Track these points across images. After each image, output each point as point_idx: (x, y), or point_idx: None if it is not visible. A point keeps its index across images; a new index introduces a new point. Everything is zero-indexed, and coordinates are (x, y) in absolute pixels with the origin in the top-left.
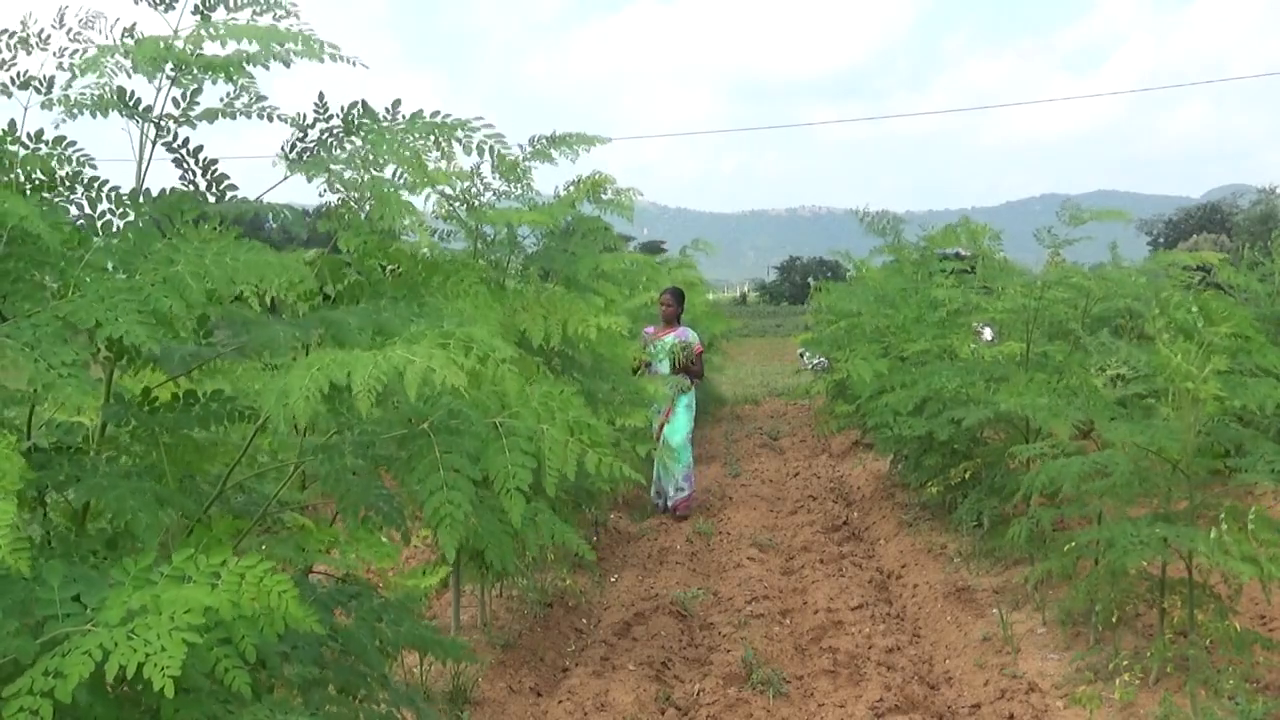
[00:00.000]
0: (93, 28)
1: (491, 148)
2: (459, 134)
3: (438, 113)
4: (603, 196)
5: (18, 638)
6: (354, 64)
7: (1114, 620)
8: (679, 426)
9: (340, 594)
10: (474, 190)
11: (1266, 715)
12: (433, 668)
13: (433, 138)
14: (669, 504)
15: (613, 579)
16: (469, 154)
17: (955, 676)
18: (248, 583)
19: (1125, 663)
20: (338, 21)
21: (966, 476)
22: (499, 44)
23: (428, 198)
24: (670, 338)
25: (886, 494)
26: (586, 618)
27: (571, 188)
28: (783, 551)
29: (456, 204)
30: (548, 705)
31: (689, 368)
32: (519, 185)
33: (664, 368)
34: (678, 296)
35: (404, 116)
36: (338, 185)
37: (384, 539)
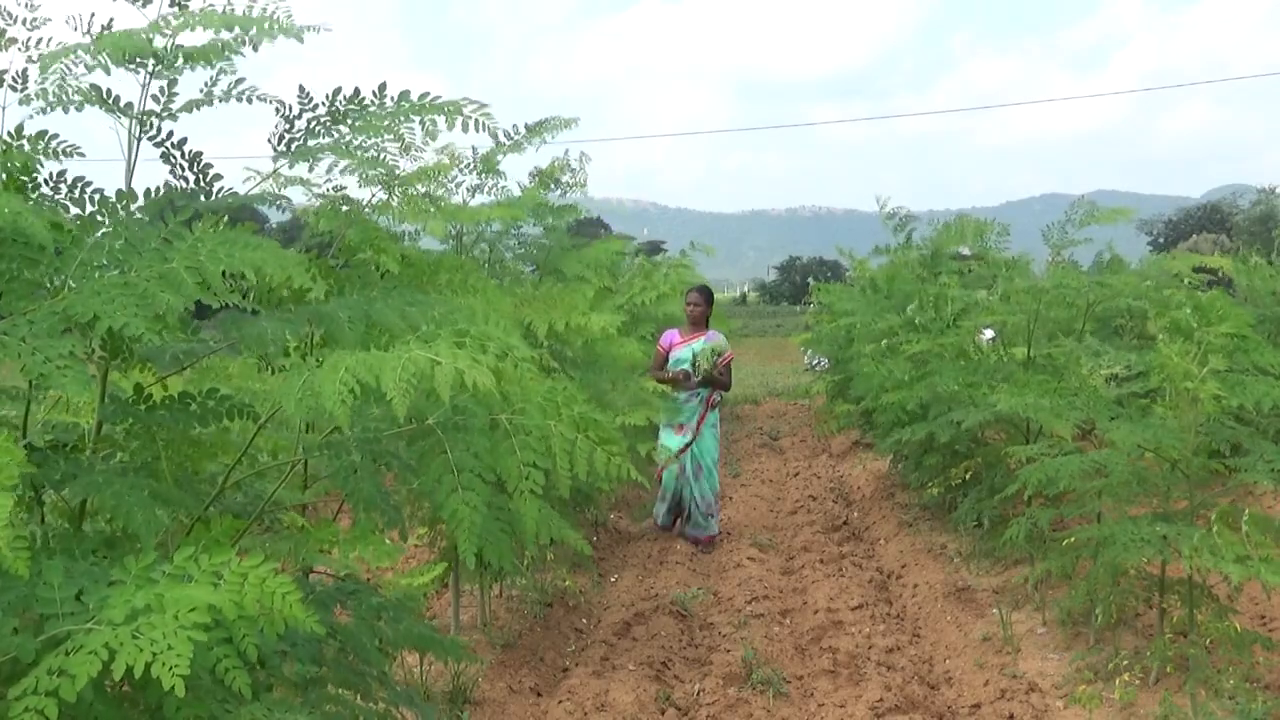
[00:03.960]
0: (38, 14)
1: (478, 121)
2: (445, 112)
3: (426, 94)
4: (561, 179)
5: (18, 636)
6: (319, 31)
7: (1114, 620)
8: (708, 447)
9: (339, 592)
10: (446, 189)
11: (1266, 715)
12: (433, 667)
13: (419, 120)
14: (695, 532)
15: (613, 579)
16: (450, 129)
17: (955, 676)
18: (250, 583)
19: (1125, 663)
20: (347, 22)
21: (967, 477)
22: (504, 45)
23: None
24: (700, 342)
25: (886, 494)
26: (586, 618)
27: (534, 178)
28: (783, 551)
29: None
30: (548, 705)
31: (717, 378)
32: (491, 177)
33: (694, 377)
34: (707, 296)
35: (392, 99)
36: (311, 187)
37: (385, 539)
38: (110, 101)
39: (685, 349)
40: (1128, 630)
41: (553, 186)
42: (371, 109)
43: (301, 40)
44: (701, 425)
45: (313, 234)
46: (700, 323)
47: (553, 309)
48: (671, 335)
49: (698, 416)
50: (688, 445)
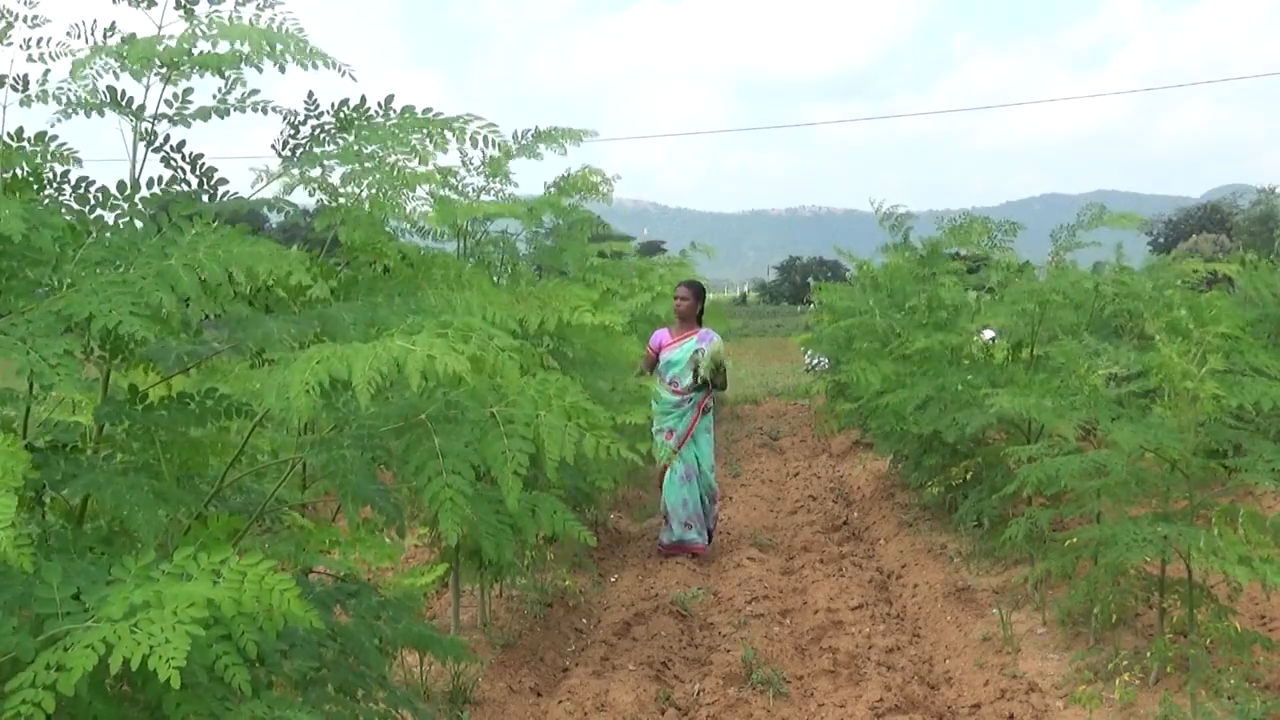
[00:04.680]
0: (39, 12)
1: (486, 138)
2: (451, 128)
3: (429, 109)
4: (594, 189)
5: (17, 635)
6: (343, 72)
7: (1114, 620)
8: (703, 453)
9: (339, 592)
10: (453, 188)
11: (1266, 715)
12: (433, 667)
13: (425, 133)
14: (683, 537)
15: (613, 579)
16: (461, 143)
17: (955, 676)
18: (249, 580)
19: (1125, 663)
20: (345, 20)
21: (967, 477)
22: (505, 44)
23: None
24: (692, 342)
25: (886, 494)
26: (586, 618)
27: (557, 185)
28: (783, 551)
29: (434, 200)
30: (548, 705)
31: (717, 384)
32: (498, 180)
33: (687, 380)
34: (696, 291)
35: (395, 112)
36: (326, 187)
37: (385, 539)
38: (124, 105)
39: (677, 350)
40: (1128, 630)
41: (575, 195)
42: (377, 120)
43: (330, 66)
44: (694, 430)
45: (316, 234)
46: (689, 319)
47: (547, 305)
48: (661, 335)
49: (689, 421)
50: (676, 452)
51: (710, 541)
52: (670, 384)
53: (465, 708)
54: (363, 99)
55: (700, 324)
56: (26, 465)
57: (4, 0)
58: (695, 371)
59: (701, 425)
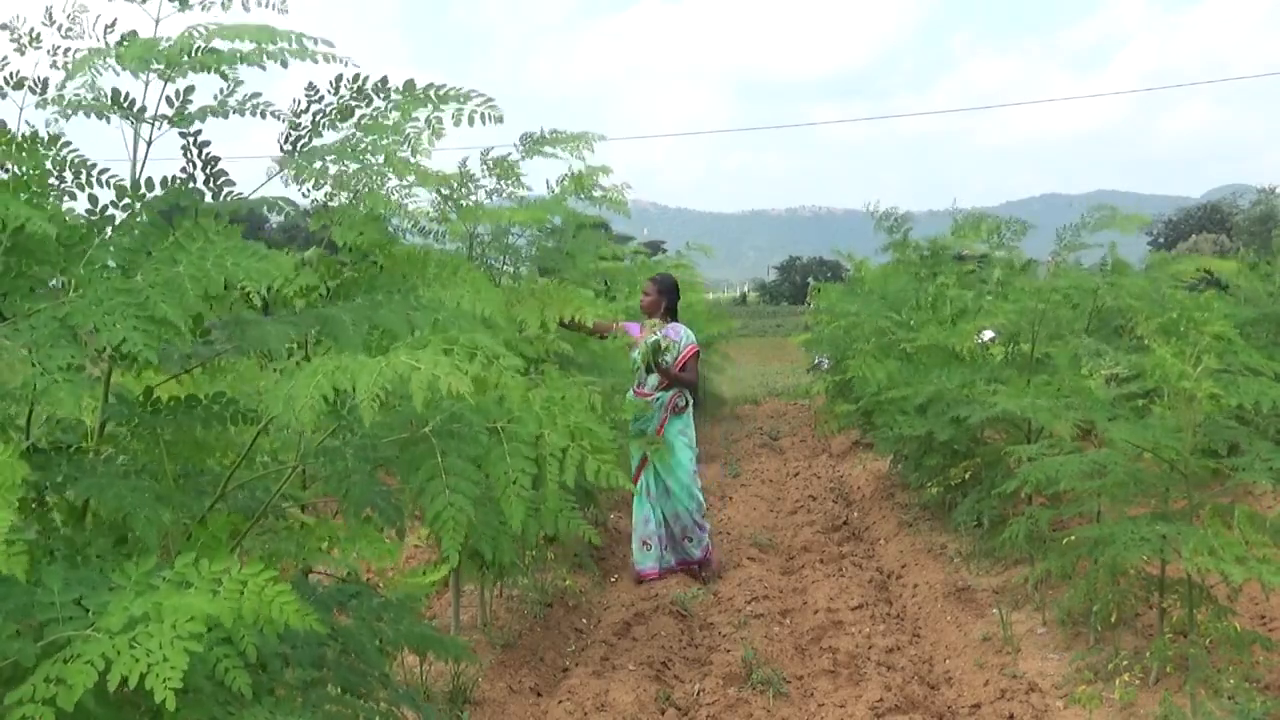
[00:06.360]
0: (79, 23)
1: (484, 114)
2: (453, 100)
3: (430, 84)
4: (594, 193)
5: (18, 641)
6: (345, 63)
7: (1114, 620)
8: (677, 460)
9: (340, 593)
10: (465, 190)
11: (1266, 715)
12: (433, 668)
13: (424, 120)
14: (670, 561)
15: (613, 579)
16: (457, 125)
17: (955, 676)
18: (249, 592)
19: (1125, 663)
20: (347, 22)
21: (966, 477)
22: (504, 45)
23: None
24: (651, 339)
25: (886, 494)
26: (586, 618)
27: (562, 182)
28: (783, 551)
29: (447, 203)
30: (548, 705)
31: (669, 372)
32: (510, 183)
33: (651, 381)
34: (660, 285)
35: (396, 90)
36: (324, 181)
37: (385, 538)
38: (126, 106)
39: (637, 349)
40: (1128, 630)
41: (582, 197)
42: (378, 100)
43: (331, 60)
44: (662, 433)
45: (314, 234)
46: (654, 315)
47: (547, 306)
48: (634, 328)
49: (657, 424)
50: (644, 461)
51: (703, 567)
52: (638, 386)
53: (465, 708)
54: (365, 78)
55: (674, 317)
56: (25, 473)
57: (46, 3)
58: (649, 365)
59: (672, 428)
